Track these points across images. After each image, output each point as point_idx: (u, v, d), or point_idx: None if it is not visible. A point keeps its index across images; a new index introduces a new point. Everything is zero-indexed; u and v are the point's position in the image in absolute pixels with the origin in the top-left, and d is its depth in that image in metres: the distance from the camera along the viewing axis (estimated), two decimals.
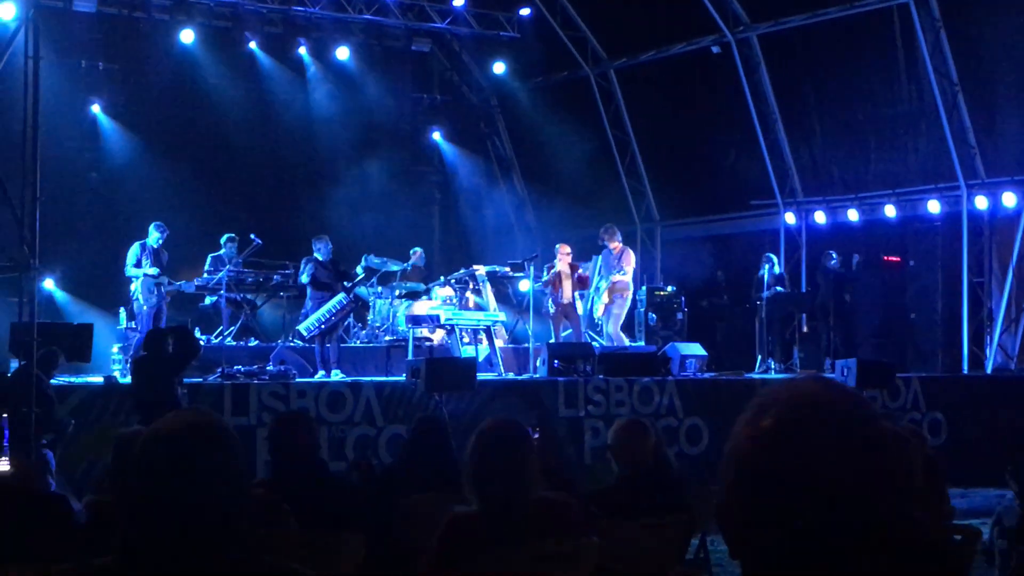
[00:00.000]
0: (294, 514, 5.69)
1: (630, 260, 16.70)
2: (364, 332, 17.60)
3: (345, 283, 15.71)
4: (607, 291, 16.43)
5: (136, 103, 19.94)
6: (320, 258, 15.52)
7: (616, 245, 16.66)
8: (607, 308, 16.48)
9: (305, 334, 15.16)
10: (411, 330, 15.96)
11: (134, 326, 15.56)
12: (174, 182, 18.94)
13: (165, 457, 2.40)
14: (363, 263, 17.09)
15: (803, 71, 20.10)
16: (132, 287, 15.57)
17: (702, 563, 7.57)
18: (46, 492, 8.07)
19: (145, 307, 15.22)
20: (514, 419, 4.96)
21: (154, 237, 15.56)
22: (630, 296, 16.91)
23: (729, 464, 1.65)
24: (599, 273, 16.70)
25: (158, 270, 15.35)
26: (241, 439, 2.56)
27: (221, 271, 16.36)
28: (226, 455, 2.44)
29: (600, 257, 16.88)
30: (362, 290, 17.55)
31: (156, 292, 15.28)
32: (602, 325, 16.63)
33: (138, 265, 15.38)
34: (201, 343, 12.56)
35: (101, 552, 2.53)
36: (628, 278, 16.69)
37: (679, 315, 18.56)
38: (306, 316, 15.36)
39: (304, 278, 15.52)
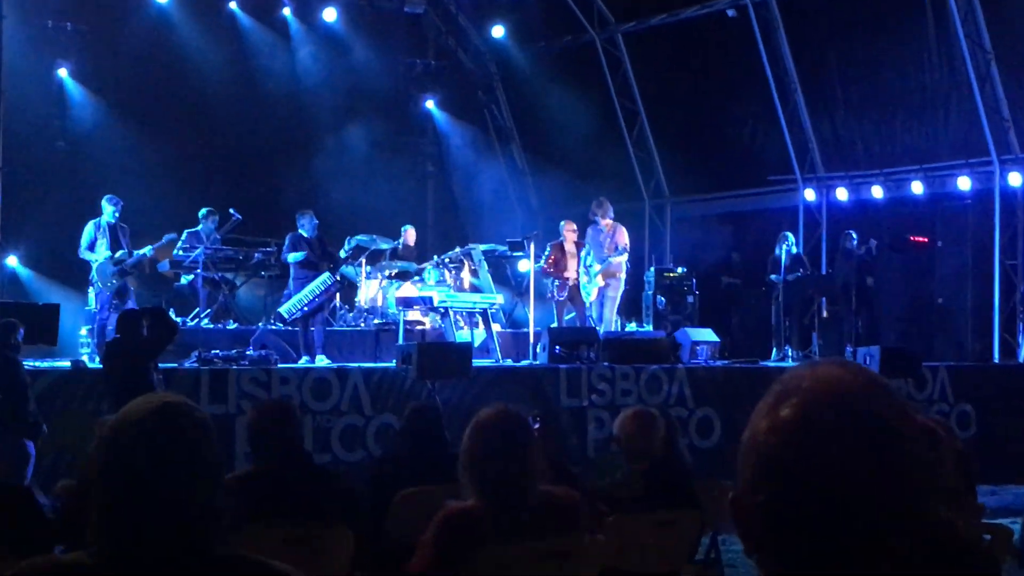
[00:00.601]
0: (277, 509, 5.71)
1: (625, 238, 16.66)
2: (351, 315, 17.60)
3: (331, 262, 15.71)
4: (602, 273, 16.36)
5: (107, 67, 19.89)
6: (305, 234, 15.51)
7: (608, 222, 16.56)
8: (601, 292, 16.42)
9: (287, 316, 15.15)
10: (402, 313, 15.96)
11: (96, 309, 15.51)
12: (148, 153, 18.92)
13: (134, 446, 2.40)
14: (347, 245, 17.06)
15: (825, 37, 20.06)
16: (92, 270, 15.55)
17: (713, 562, 7.59)
18: (11, 484, 8.09)
19: (107, 292, 15.15)
20: (514, 408, 4.97)
21: (108, 212, 15.37)
22: (623, 278, 16.87)
23: (746, 456, 1.65)
24: (589, 253, 16.61)
25: (112, 253, 15.21)
26: (219, 429, 2.57)
27: (198, 248, 16.35)
28: (200, 444, 2.44)
29: (589, 234, 16.78)
30: (349, 270, 17.55)
31: (115, 274, 15.20)
32: (593, 310, 16.56)
33: (92, 248, 15.26)
34: (177, 325, 12.54)
35: (77, 543, 2.55)
36: (625, 258, 16.69)
37: (690, 298, 18.56)
38: (288, 297, 15.35)
39: (292, 257, 15.49)
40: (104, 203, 15.41)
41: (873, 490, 1.56)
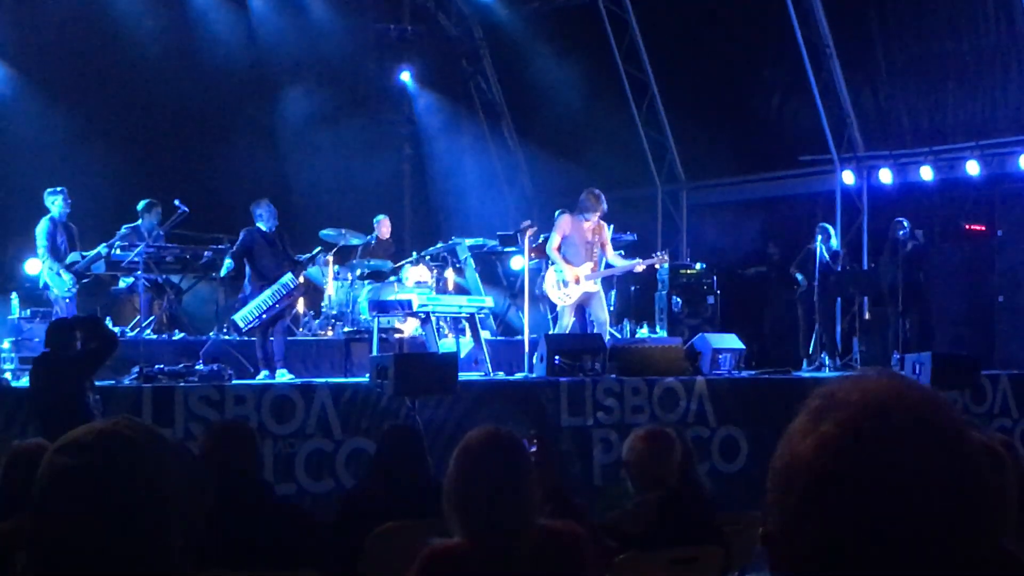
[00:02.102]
0: (234, 549, 5.70)
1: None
2: (317, 322, 17.60)
3: (294, 261, 15.69)
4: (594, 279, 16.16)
5: (29, 38, 19.84)
6: (263, 228, 15.48)
7: (594, 219, 16.17)
8: (588, 294, 16.14)
9: (243, 325, 15.14)
10: (376, 319, 15.95)
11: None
12: (78, 136, 18.90)
13: (76, 479, 2.40)
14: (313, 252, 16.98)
15: None
16: (40, 272, 15.52)
17: None
18: None
19: (66, 300, 15.17)
20: (506, 430, 4.97)
21: (58, 206, 15.44)
22: None
23: (788, 482, 1.65)
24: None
25: (79, 255, 15.29)
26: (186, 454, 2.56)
27: (138, 246, 16.32)
28: (158, 476, 2.43)
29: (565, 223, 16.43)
30: (314, 271, 17.54)
31: (74, 282, 15.23)
32: (566, 317, 16.35)
33: (54, 250, 15.26)
34: (116, 336, 12.52)
35: None
36: None
37: (710, 299, 18.59)
38: (244, 303, 15.34)
39: (226, 265, 15.46)
40: (50, 197, 15.39)
41: (928, 517, 1.56)
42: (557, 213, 16.23)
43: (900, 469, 1.57)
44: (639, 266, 16.27)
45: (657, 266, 16.64)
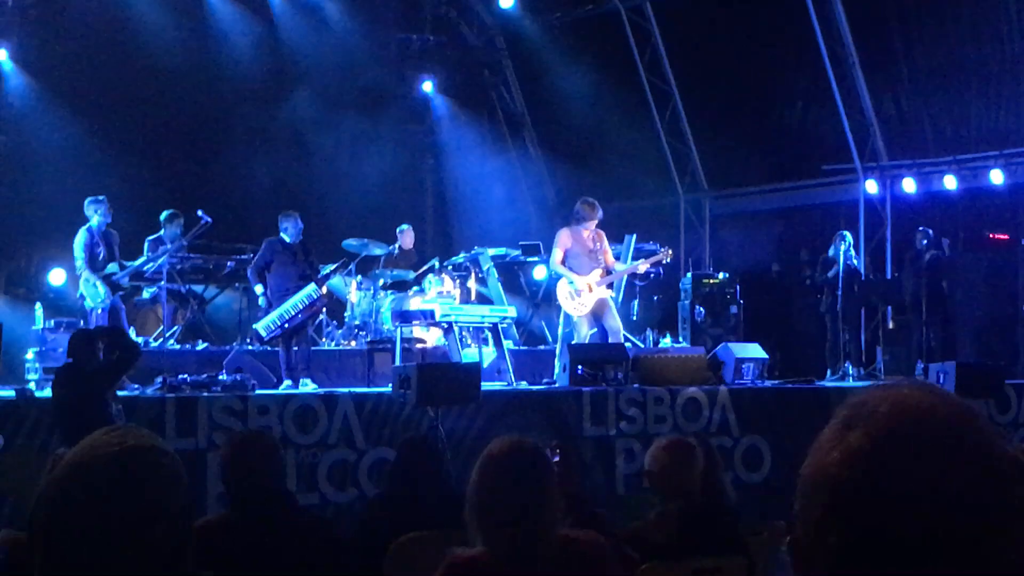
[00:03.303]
0: (255, 559, 5.69)
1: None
2: (340, 332, 17.60)
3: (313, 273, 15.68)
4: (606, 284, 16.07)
5: (52, 48, 19.91)
6: (287, 239, 15.47)
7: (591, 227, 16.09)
8: (602, 301, 16.03)
9: (265, 334, 15.13)
10: (399, 329, 15.94)
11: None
12: (100, 147, 18.96)
13: (87, 496, 2.38)
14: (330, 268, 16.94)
15: (887, 2, 20.04)
16: (78, 281, 15.49)
17: None
18: None
19: (99, 310, 15.13)
20: (529, 439, 4.95)
21: (99, 215, 15.35)
22: None
23: (813, 493, 1.63)
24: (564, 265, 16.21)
25: (117, 267, 15.26)
26: (187, 466, 2.54)
27: (161, 257, 16.36)
28: (168, 495, 2.42)
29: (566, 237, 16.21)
30: (336, 282, 17.53)
31: (107, 294, 15.21)
32: (583, 327, 16.26)
33: (92, 260, 15.19)
34: (139, 346, 12.53)
35: None
36: None
37: (733, 308, 18.56)
38: (266, 312, 15.35)
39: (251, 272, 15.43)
40: (90, 206, 15.28)
41: (961, 532, 1.54)
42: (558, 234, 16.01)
43: (929, 481, 1.56)
44: (642, 265, 16.26)
45: (663, 261, 16.53)
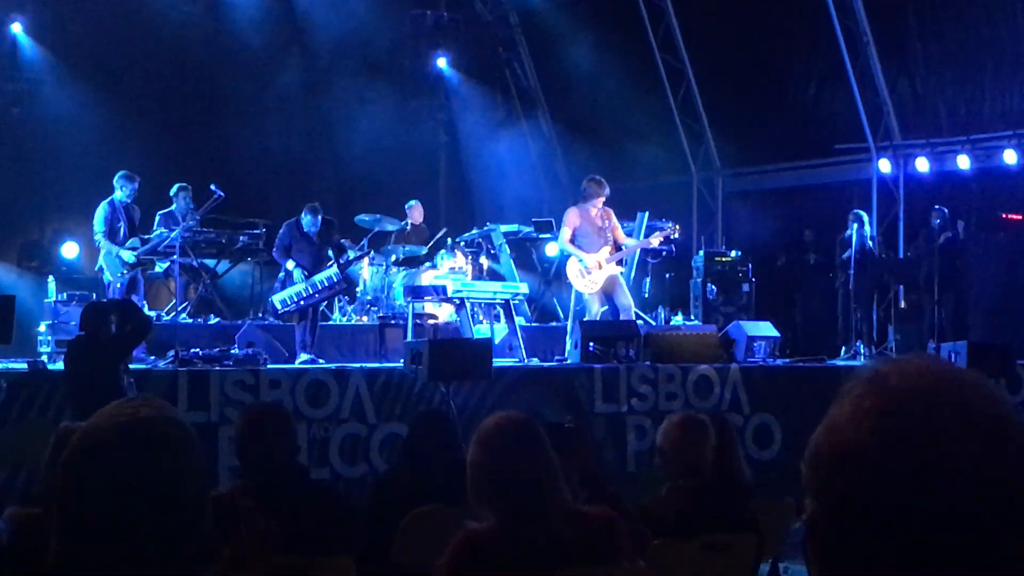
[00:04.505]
0: None
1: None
2: (352, 307, 17.61)
3: (340, 254, 15.74)
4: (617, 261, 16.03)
5: (67, 22, 19.92)
6: (305, 228, 15.57)
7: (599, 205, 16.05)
8: (612, 278, 15.97)
9: (279, 308, 15.15)
10: (411, 305, 15.96)
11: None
12: (114, 119, 18.96)
13: (102, 467, 2.38)
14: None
15: None
16: (100, 256, 15.50)
17: None
18: None
19: (118, 284, 15.15)
20: (521, 414, 4.95)
21: (124, 191, 15.36)
22: None
23: (825, 465, 1.63)
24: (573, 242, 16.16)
25: (138, 242, 15.28)
26: (200, 439, 2.54)
27: (174, 231, 16.36)
28: (183, 465, 2.42)
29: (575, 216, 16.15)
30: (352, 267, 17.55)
31: (126, 267, 15.23)
32: (594, 305, 16.22)
33: (112, 234, 15.21)
34: (151, 320, 12.55)
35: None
36: None
37: (745, 287, 18.54)
38: (284, 285, 15.35)
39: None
40: (119, 181, 15.30)
41: (986, 503, 1.54)
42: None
43: (948, 454, 1.55)
44: (654, 240, 16.23)
45: (672, 237, 16.50)
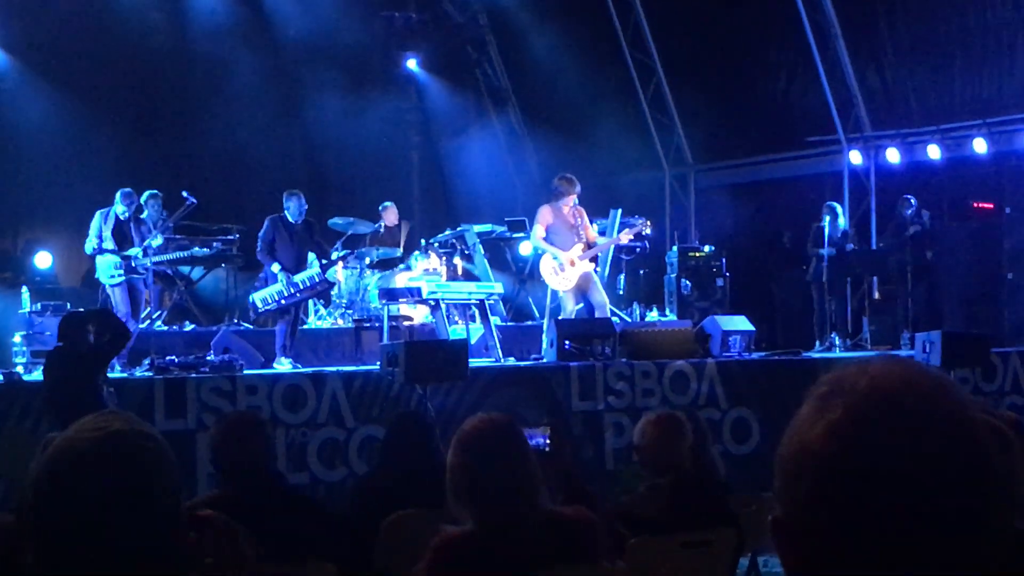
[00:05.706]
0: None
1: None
2: (327, 311, 17.60)
3: (323, 255, 15.66)
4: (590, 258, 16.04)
5: (34, 29, 19.83)
6: (289, 218, 15.37)
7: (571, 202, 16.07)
8: (586, 275, 16.00)
9: (260, 307, 15.09)
10: (385, 307, 15.95)
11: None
12: (84, 127, 18.90)
13: (75, 477, 2.39)
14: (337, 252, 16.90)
15: None
16: (96, 261, 15.43)
17: None
18: None
19: (117, 290, 15.09)
20: (501, 415, 4.97)
21: (121, 207, 15.28)
22: None
23: (798, 470, 1.65)
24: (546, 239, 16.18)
25: (117, 249, 15.23)
26: (177, 448, 2.55)
27: (147, 239, 16.32)
28: (156, 479, 2.43)
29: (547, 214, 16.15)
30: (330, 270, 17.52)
31: (121, 269, 15.16)
32: (568, 302, 16.23)
33: (104, 241, 15.13)
34: (130, 329, 12.53)
35: None
36: None
37: (719, 281, 18.58)
38: (264, 283, 15.28)
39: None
40: (121, 195, 15.24)
41: (948, 502, 1.56)
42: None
43: (910, 455, 1.57)
44: (623, 236, 16.26)
45: (644, 232, 16.53)
